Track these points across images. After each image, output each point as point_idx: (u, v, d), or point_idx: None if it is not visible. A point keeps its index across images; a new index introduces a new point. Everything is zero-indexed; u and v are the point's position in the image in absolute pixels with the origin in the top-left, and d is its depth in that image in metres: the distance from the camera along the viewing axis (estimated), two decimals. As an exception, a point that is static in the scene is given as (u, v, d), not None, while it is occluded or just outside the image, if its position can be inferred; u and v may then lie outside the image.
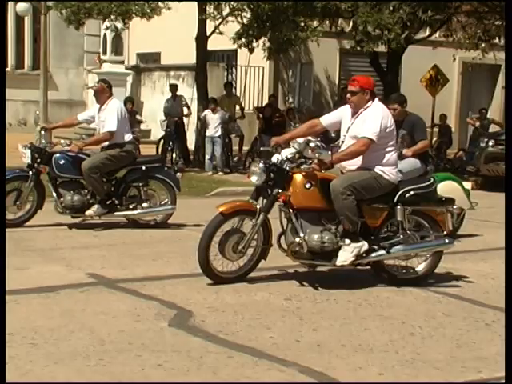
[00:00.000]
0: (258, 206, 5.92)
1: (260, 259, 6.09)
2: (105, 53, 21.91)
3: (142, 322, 4.88)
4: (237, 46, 15.42)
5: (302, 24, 14.98)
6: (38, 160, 8.22)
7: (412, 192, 6.05)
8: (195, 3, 15.16)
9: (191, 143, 16.35)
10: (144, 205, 8.44)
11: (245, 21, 14.96)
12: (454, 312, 5.44)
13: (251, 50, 15.46)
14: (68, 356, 4.19)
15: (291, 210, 5.91)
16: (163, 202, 8.61)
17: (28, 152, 8.16)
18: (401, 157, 8.09)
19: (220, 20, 15.03)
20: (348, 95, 6.10)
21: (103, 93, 8.51)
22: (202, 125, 15.51)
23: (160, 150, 15.75)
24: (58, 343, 4.39)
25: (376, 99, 6.10)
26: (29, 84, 22.49)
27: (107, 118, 8.39)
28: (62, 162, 8.24)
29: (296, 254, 5.95)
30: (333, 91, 21.08)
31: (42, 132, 8.52)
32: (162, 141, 15.87)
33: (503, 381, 3.82)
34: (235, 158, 16.33)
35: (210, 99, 15.23)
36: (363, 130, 5.91)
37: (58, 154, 8.27)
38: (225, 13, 14.90)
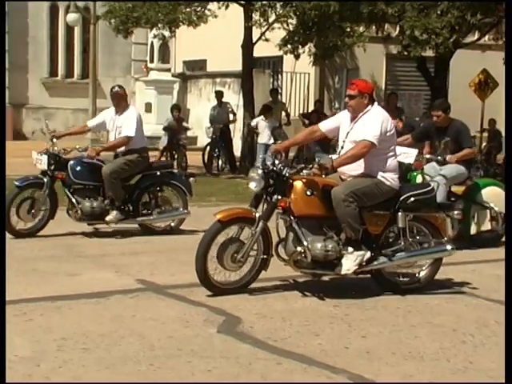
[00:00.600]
0: (257, 214, 5.74)
1: (260, 270, 5.88)
2: (152, 61, 22.25)
3: (190, 328, 4.91)
4: (282, 52, 15.46)
5: (348, 29, 14.94)
6: (53, 166, 8.11)
7: (413, 198, 5.92)
8: (241, 11, 15.25)
9: (237, 149, 16.42)
10: (158, 210, 8.46)
11: (291, 27, 14.99)
12: (507, 320, 5.35)
13: (297, 57, 15.48)
14: (119, 361, 4.24)
15: (292, 218, 5.74)
16: (176, 207, 8.60)
17: (45, 158, 8.10)
18: (444, 163, 8.00)
19: (266, 27, 15.08)
20: (346, 99, 6.00)
21: (124, 99, 8.57)
22: (250, 132, 15.55)
23: (206, 157, 15.88)
24: (109, 348, 4.45)
25: (375, 103, 5.97)
26: (78, 93, 22.91)
27: (126, 123, 8.38)
28: (78, 168, 8.20)
29: (298, 263, 5.80)
30: (379, 96, 20.90)
31: (54, 140, 8.40)
32: (208, 147, 16.00)
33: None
34: (281, 165, 16.28)
35: (264, 106, 15.22)
36: (363, 134, 5.78)
37: (72, 161, 8.22)
38: (271, 20, 14.94)
